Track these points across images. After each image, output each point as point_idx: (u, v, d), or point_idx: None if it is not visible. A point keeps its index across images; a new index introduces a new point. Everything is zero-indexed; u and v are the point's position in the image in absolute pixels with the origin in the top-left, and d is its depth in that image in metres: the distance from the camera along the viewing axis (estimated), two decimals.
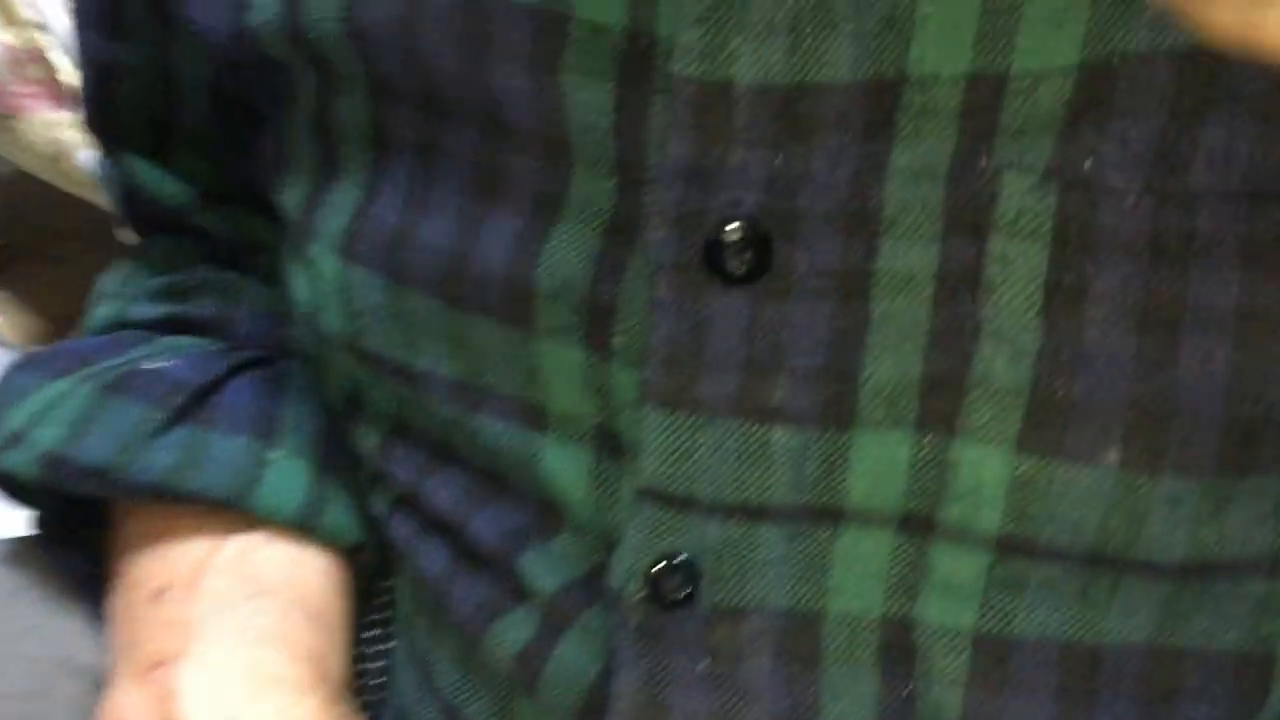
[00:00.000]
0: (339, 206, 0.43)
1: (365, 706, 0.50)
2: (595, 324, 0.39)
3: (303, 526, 0.47)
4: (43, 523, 0.51)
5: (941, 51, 0.35)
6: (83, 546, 0.50)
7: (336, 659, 0.47)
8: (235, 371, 0.49)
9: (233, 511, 0.46)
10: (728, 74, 0.36)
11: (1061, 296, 0.36)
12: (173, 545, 0.47)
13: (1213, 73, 0.34)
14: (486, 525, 0.43)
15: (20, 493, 0.49)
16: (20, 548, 0.52)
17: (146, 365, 0.48)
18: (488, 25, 0.38)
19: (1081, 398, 0.36)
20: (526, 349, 0.40)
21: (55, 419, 0.47)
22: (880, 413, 0.38)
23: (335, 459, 0.48)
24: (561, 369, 0.40)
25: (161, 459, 0.46)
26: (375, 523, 0.48)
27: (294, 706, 0.44)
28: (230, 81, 0.47)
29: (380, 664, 0.52)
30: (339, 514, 0.48)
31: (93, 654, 0.50)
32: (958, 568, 0.38)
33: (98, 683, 0.48)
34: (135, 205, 0.52)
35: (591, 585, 0.42)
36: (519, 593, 0.43)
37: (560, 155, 0.39)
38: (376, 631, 0.52)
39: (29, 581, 0.52)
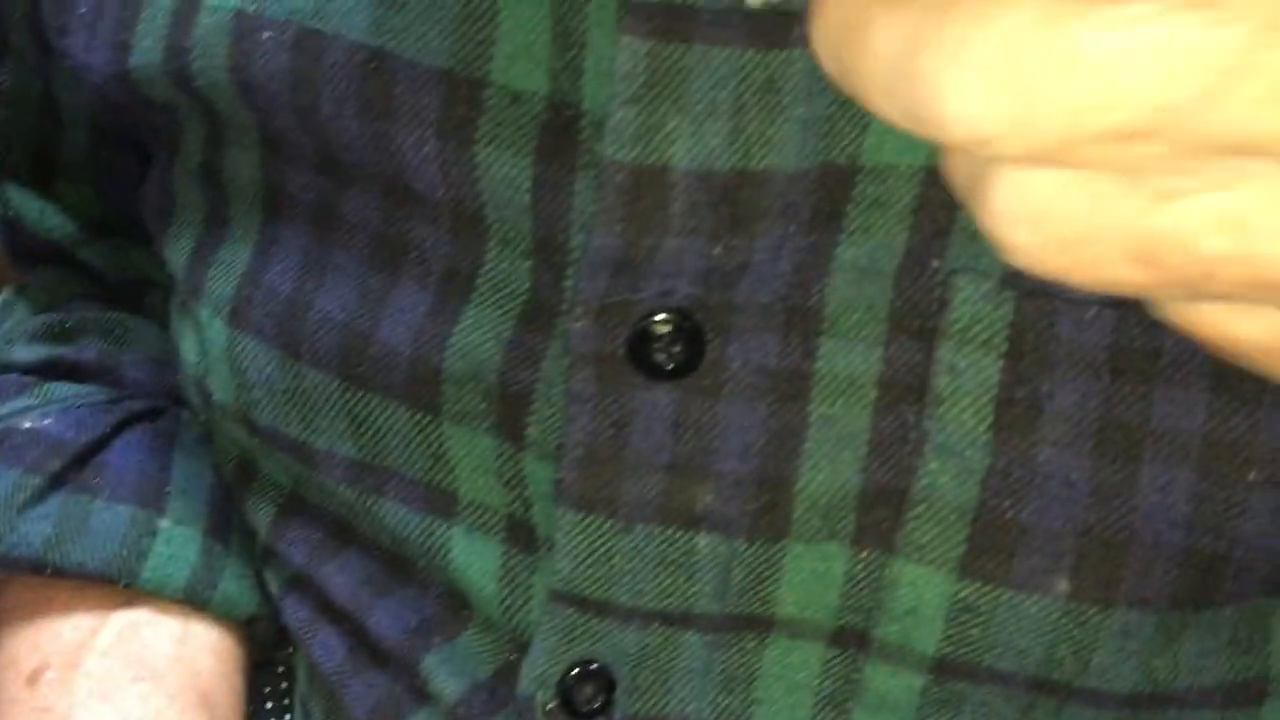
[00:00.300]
0: (228, 267, 0.40)
1: None
2: (508, 413, 0.36)
3: (193, 601, 0.43)
4: None
5: (901, 140, 0.31)
6: None
7: None
8: (121, 427, 0.45)
9: (117, 585, 0.43)
10: (663, 158, 0.32)
11: (1014, 412, 0.33)
12: (51, 622, 0.44)
13: None
14: (388, 617, 0.40)
15: None
16: None
17: (24, 424, 0.44)
18: (392, 87, 0.34)
19: (1031, 522, 0.33)
20: (433, 434, 0.37)
21: None
22: (815, 524, 0.35)
23: (230, 523, 0.45)
24: (471, 456, 0.37)
25: (39, 529, 0.42)
26: (270, 599, 0.45)
27: None
28: (112, 119, 0.43)
29: None
30: (233, 585, 0.44)
31: None
32: (892, 686, 0.36)
33: None
34: (16, 236, 0.48)
35: (499, 690, 0.39)
36: (420, 694, 0.40)
37: (473, 231, 0.35)
38: (271, 705, 0.49)
39: None
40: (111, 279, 0.49)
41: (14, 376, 0.47)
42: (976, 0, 0.16)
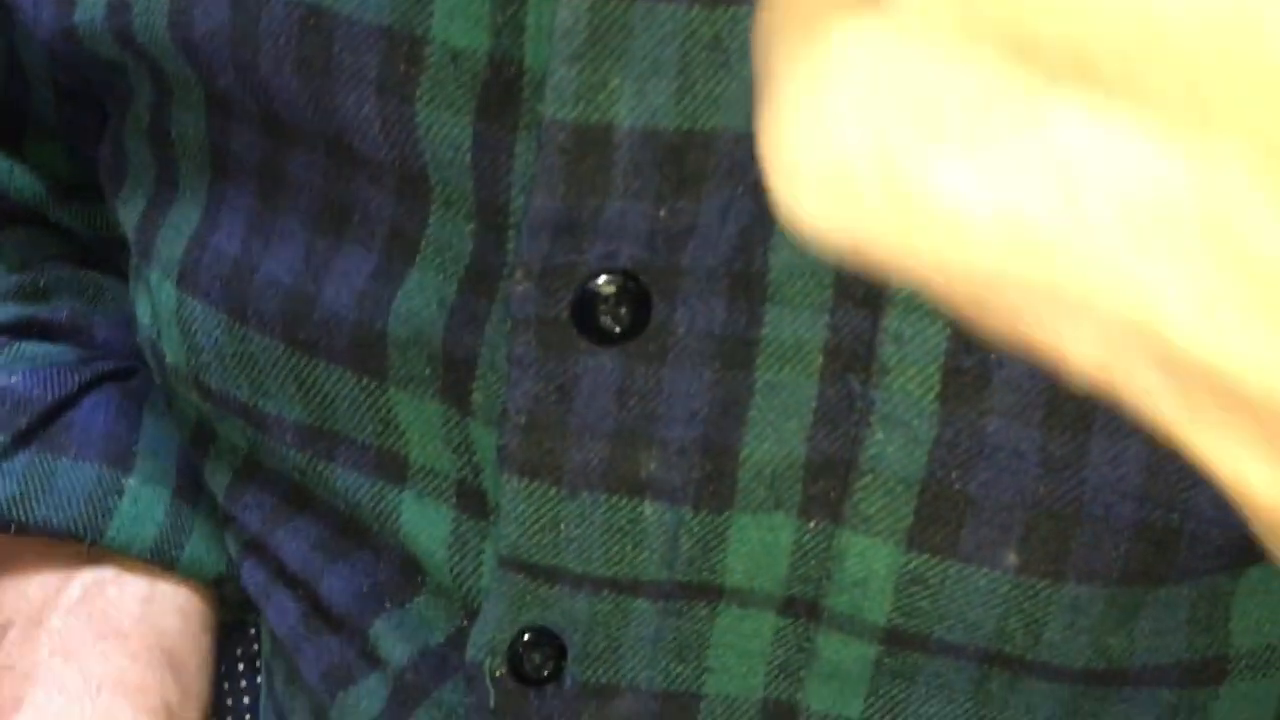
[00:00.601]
0: (177, 229, 0.39)
1: None
2: (453, 378, 0.35)
3: (160, 560, 0.43)
4: None
5: None
6: None
7: (192, 706, 0.43)
8: (89, 387, 0.45)
9: (83, 543, 0.43)
10: (606, 117, 0.31)
11: (962, 382, 0.32)
12: (16, 580, 0.43)
13: None
14: (339, 583, 0.40)
15: None
16: None
17: None
18: (330, 45, 0.34)
19: (979, 494, 0.33)
20: (380, 399, 0.37)
21: None
22: (761, 494, 0.34)
23: (198, 484, 0.44)
24: (419, 422, 0.36)
25: (4, 487, 0.42)
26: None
27: None
28: (66, 77, 0.42)
29: (248, 699, 0.48)
30: (200, 545, 0.44)
31: None
32: (845, 655, 0.35)
33: None
34: None
35: (448, 656, 0.38)
36: (371, 659, 0.39)
37: (416, 192, 0.35)
38: (244, 666, 0.48)
39: None
40: (84, 238, 0.48)
41: None
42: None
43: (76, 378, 0.45)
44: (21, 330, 0.47)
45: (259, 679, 0.49)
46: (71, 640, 0.42)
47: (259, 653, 0.49)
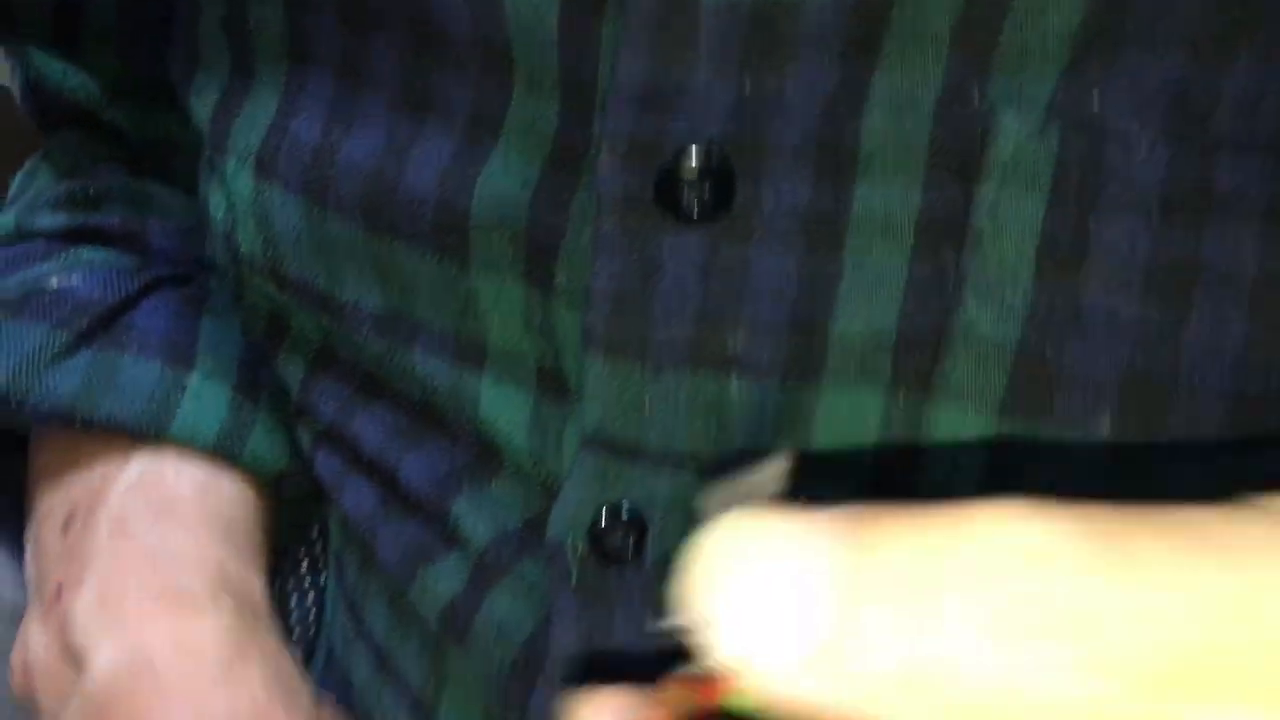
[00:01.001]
0: (254, 119, 0.39)
1: (298, 643, 0.47)
2: (536, 260, 0.35)
3: (222, 453, 0.43)
4: None
5: None
6: (3, 481, 0.47)
7: (253, 582, 0.43)
8: (148, 290, 0.45)
9: (145, 438, 0.43)
10: None
11: (1058, 251, 0.32)
12: (80, 472, 0.44)
13: (1246, 5, 0.29)
14: (418, 466, 0.40)
15: None
16: None
17: (50, 283, 0.44)
18: None
19: (1073, 363, 0.32)
20: (461, 283, 0.36)
21: None
22: (849, 369, 0.34)
23: (258, 383, 0.44)
24: (500, 305, 0.36)
25: (67, 383, 0.42)
26: (302, 454, 0.44)
27: (196, 627, 0.41)
28: None
29: (311, 600, 0.48)
30: (262, 441, 0.44)
31: (14, 591, 0.47)
32: None
33: (16, 621, 0.45)
34: (40, 98, 0.48)
35: (528, 536, 0.38)
36: (450, 539, 0.39)
37: (499, 71, 0.34)
38: (306, 566, 0.48)
39: None
40: (136, 141, 0.48)
41: (40, 242, 0.47)
42: None
43: (135, 281, 0.45)
44: (75, 237, 0.47)
45: (308, 600, 0.49)
46: (129, 521, 0.42)
47: (320, 554, 0.49)
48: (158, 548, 0.41)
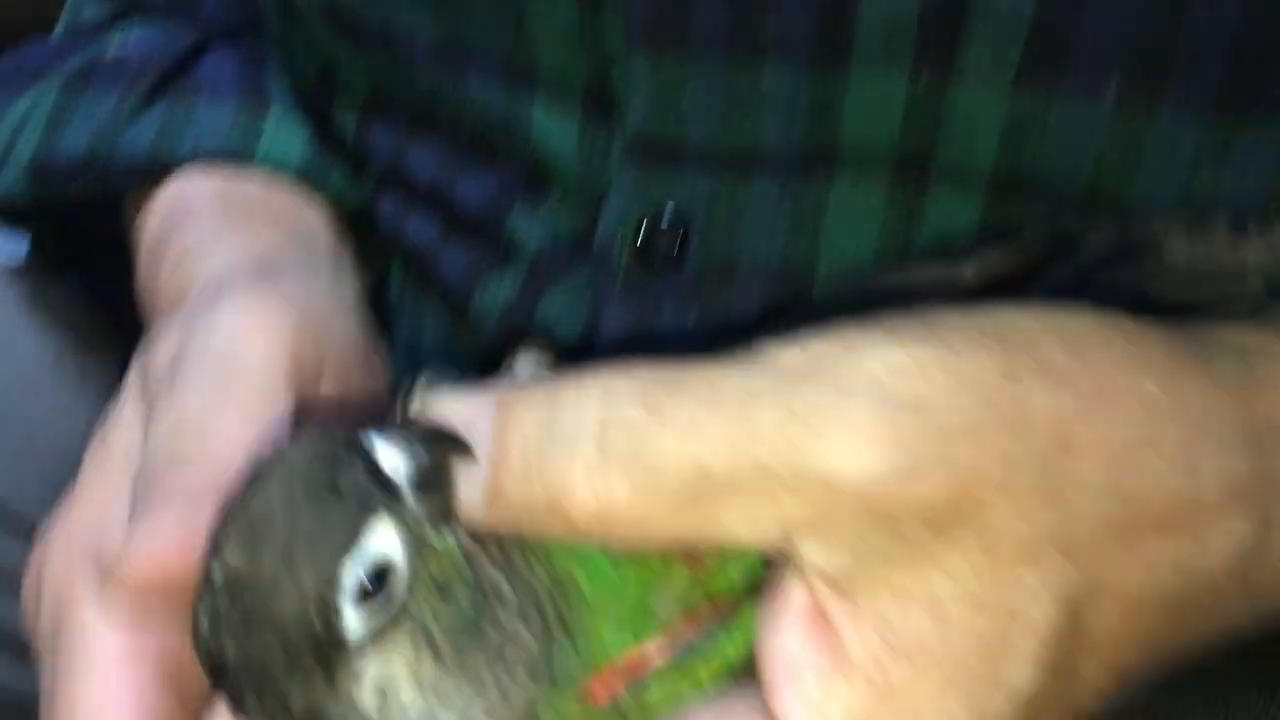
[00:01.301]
0: None
1: None
2: None
3: (307, 181, 0.44)
4: (41, 249, 0.51)
5: None
6: (81, 274, 0.50)
7: (351, 275, 0.43)
8: (206, 48, 0.46)
9: (230, 165, 0.43)
10: None
11: None
12: (173, 210, 0.43)
13: None
14: (472, 189, 0.42)
15: (20, 217, 0.48)
16: (18, 276, 0.52)
17: (107, 55, 0.46)
18: None
19: (1085, 30, 0.35)
20: (512, 3, 0.40)
21: (30, 130, 0.45)
22: (876, 50, 0.37)
23: (325, 128, 0.46)
24: (551, 23, 0.39)
25: (145, 135, 0.44)
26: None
27: (307, 291, 0.39)
28: None
29: None
30: (340, 175, 0.45)
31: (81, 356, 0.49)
32: (952, 218, 0.38)
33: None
34: None
35: (578, 246, 0.41)
36: (506, 252, 0.42)
37: None
38: None
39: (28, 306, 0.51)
40: None
41: (89, 28, 0.49)
42: None
43: (193, 40, 0.46)
44: (124, 17, 0.49)
45: None
46: (221, 223, 0.41)
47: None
48: (254, 240, 0.41)
